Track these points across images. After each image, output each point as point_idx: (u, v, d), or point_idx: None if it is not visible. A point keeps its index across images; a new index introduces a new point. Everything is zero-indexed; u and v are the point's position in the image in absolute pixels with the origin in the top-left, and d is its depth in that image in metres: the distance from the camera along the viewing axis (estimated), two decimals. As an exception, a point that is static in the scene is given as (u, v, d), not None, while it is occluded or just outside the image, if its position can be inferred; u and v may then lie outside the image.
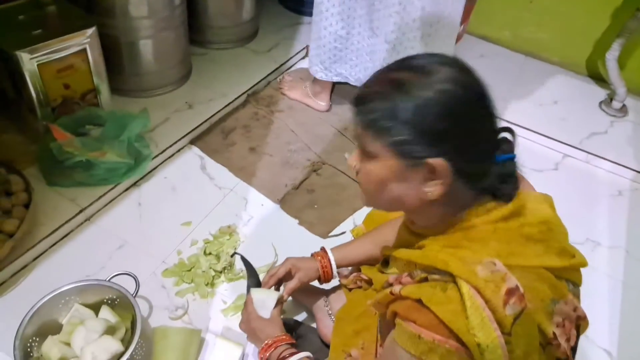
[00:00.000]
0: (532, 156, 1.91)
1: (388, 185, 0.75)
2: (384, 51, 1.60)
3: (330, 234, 1.54)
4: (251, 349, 1.20)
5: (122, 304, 1.18)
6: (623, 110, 2.14)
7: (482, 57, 2.37)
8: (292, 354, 0.97)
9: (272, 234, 1.50)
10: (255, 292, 1.10)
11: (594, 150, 1.92)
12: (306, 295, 1.26)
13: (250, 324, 1.05)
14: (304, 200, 1.64)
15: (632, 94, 2.18)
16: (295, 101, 2.02)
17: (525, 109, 2.09)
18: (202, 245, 1.44)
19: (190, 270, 1.37)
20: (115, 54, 1.77)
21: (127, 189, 1.58)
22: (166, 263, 1.39)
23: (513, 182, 0.75)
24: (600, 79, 2.30)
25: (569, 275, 0.78)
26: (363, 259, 1.18)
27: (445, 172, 0.70)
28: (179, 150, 1.75)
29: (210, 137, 1.82)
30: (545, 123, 2.02)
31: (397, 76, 0.71)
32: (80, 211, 1.46)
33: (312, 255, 1.17)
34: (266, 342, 1.01)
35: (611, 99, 2.14)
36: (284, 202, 1.62)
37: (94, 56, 1.59)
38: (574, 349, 0.78)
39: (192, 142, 1.79)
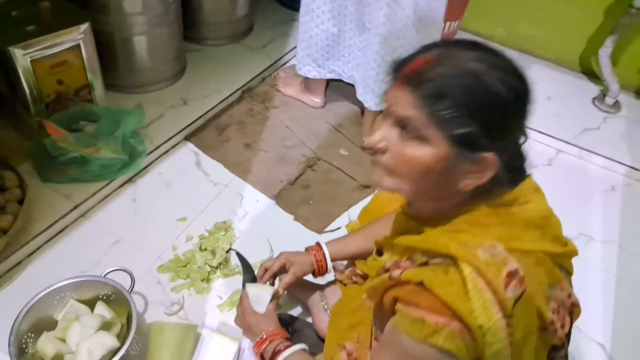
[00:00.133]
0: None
1: (428, 172, 0.70)
2: (376, 44, 1.60)
3: (325, 230, 1.54)
4: (247, 343, 1.20)
5: (117, 299, 1.18)
6: (616, 106, 2.15)
7: (477, 54, 2.37)
8: (287, 347, 0.98)
9: (267, 229, 1.50)
10: (251, 287, 1.11)
11: (587, 146, 1.93)
12: (301, 289, 1.26)
13: (245, 319, 1.06)
14: (299, 196, 1.64)
15: (625, 90, 2.20)
16: (290, 97, 2.02)
17: (519, 105, 2.10)
18: (197, 241, 1.44)
19: (185, 266, 1.37)
20: (110, 50, 1.76)
21: (121, 185, 1.58)
22: (161, 259, 1.39)
23: (522, 169, 0.76)
24: (593, 76, 2.32)
25: (562, 261, 0.79)
26: (357, 253, 1.18)
27: (493, 167, 0.69)
28: (173, 147, 1.75)
29: (205, 133, 1.82)
30: (538, 119, 1.99)
31: (469, 66, 0.67)
32: (75, 207, 1.46)
33: (306, 249, 1.18)
34: (261, 336, 1.01)
35: (604, 95, 2.15)
36: (280, 198, 1.62)
37: (88, 52, 1.58)
38: (567, 336, 0.79)
39: (187, 138, 1.79)
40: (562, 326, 0.76)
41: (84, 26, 1.53)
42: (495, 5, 2.38)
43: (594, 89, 2.25)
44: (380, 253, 0.91)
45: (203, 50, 2.16)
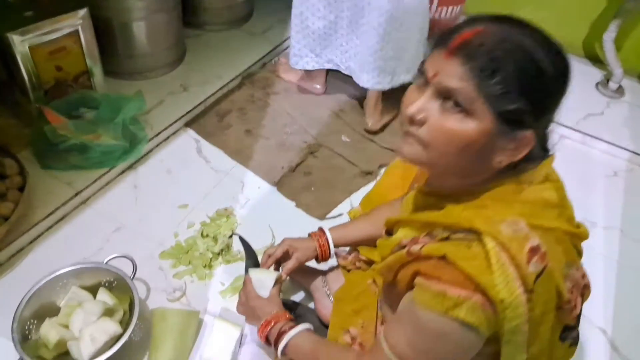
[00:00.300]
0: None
1: (467, 148, 0.68)
2: (383, 22, 1.57)
3: (327, 216, 1.54)
4: (249, 329, 1.21)
5: (119, 286, 1.18)
6: (619, 91, 2.14)
7: (479, 39, 2.34)
8: (291, 328, 0.98)
9: (269, 216, 1.50)
10: (254, 272, 1.10)
11: (590, 131, 1.92)
12: (304, 275, 1.27)
13: (249, 303, 1.05)
14: (300, 182, 1.63)
15: (629, 75, 2.18)
16: (290, 83, 2.00)
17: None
18: (199, 228, 1.44)
19: (187, 252, 1.37)
20: (109, 35, 1.74)
21: (122, 172, 1.58)
22: (163, 245, 1.39)
23: (546, 149, 0.76)
24: (597, 60, 2.29)
25: (576, 242, 0.79)
26: (360, 239, 1.18)
27: (530, 144, 0.69)
28: (174, 133, 1.74)
29: (205, 120, 1.81)
30: (541, 104, 2.01)
31: (521, 41, 0.66)
32: (76, 194, 1.45)
33: (309, 235, 1.17)
34: (266, 318, 1.01)
35: (608, 80, 2.14)
36: (281, 185, 1.62)
37: (87, 38, 1.57)
38: (578, 318, 0.79)
39: (188, 124, 1.78)
40: (575, 306, 0.76)
41: (82, 12, 1.52)
42: (498, -11, 2.35)
43: (597, 74, 2.23)
44: (389, 234, 0.91)
45: (203, 36, 2.14)
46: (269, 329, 1.00)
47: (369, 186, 1.60)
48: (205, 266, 1.34)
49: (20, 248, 1.34)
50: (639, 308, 1.40)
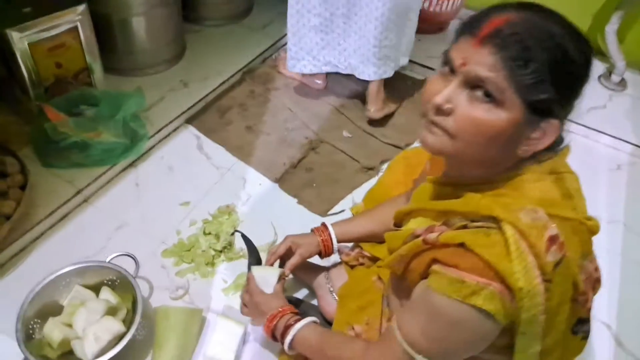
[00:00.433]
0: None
1: (496, 138, 0.67)
2: (376, 20, 1.57)
3: (329, 212, 1.53)
4: (252, 327, 1.20)
5: (122, 284, 1.18)
6: (622, 84, 2.12)
7: (480, 32, 2.33)
8: (297, 321, 0.97)
9: (271, 213, 1.50)
10: (257, 270, 1.10)
11: (593, 125, 1.91)
12: (306, 272, 1.26)
13: (253, 298, 1.05)
14: (302, 178, 1.63)
15: (631, 67, 2.16)
16: (291, 79, 1.99)
17: (524, 84, 2.07)
18: (201, 225, 1.43)
19: (189, 250, 1.37)
20: (108, 32, 1.73)
21: (124, 170, 1.57)
22: (165, 243, 1.39)
23: (562, 138, 0.76)
24: (599, 53, 2.27)
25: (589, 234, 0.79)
26: (363, 235, 1.18)
27: (555, 133, 0.69)
28: (175, 130, 1.73)
29: (206, 116, 1.80)
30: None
31: (552, 30, 0.65)
32: (78, 192, 1.45)
33: (312, 230, 1.17)
34: (271, 313, 1.01)
35: (610, 73, 2.12)
36: (283, 181, 1.61)
37: (86, 34, 1.56)
38: (589, 311, 0.79)
39: (188, 121, 1.77)
40: (587, 299, 0.76)
41: (81, 7, 1.51)
42: (500, -19, 2.33)
43: (599, 67, 2.22)
44: (398, 227, 0.90)
45: (202, 31, 2.13)
46: (274, 323, 1.00)
47: (371, 182, 1.60)
48: (207, 264, 1.34)
49: (23, 247, 1.34)
50: (642, 302, 1.40)
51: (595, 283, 0.79)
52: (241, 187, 1.58)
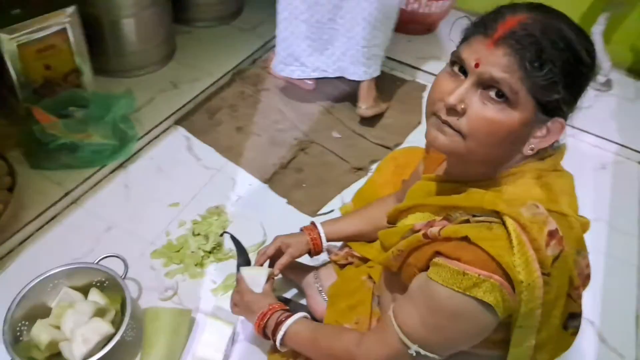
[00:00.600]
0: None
1: (508, 137, 0.69)
2: (364, 21, 1.58)
3: (319, 212, 1.54)
4: (241, 327, 1.21)
5: (111, 286, 1.18)
6: (607, 84, 2.15)
7: (469, 33, 2.35)
8: (288, 317, 0.98)
9: (260, 213, 1.50)
10: (246, 270, 1.11)
11: (578, 125, 1.93)
12: (295, 272, 1.27)
13: (243, 298, 1.06)
14: (292, 179, 1.64)
15: (617, 68, 2.19)
16: (281, 80, 2.00)
17: (512, 85, 2.09)
18: (190, 226, 1.44)
19: (179, 251, 1.37)
20: (97, 33, 1.73)
21: (113, 171, 1.57)
22: (155, 244, 1.39)
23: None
24: (585, 54, 2.30)
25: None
26: (352, 235, 1.19)
27: (561, 131, 0.71)
28: (164, 131, 1.73)
29: (196, 117, 1.81)
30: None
31: (564, 32, 0.67)
32: (66, 194, 1.45)
33: (301, 229, 1.18)
34: (262, 311, 1.02)
35: (596, 73, 2.15)
36: (272, 182, 1.62)
37: (75, 36, 1.56)
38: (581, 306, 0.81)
39: (178, 122, 1.77)
40: (580, 294, 0.78)
41: (71, 9, 1.51)
42: (488, -17, 2.35)
43: (586, 67, 2.24)
44: (392, 225, 0.91)
45: (192, 32, 2.13)
46: (265, 320, 1.00)
47: (361, 182, 1.61)
48: (197, 265, 1.35)
49: (11, 249, 1.34)
50: (626, 300, 1.42)
51: (585, 279, 0.81)
52: (231, 187, 1.58)
